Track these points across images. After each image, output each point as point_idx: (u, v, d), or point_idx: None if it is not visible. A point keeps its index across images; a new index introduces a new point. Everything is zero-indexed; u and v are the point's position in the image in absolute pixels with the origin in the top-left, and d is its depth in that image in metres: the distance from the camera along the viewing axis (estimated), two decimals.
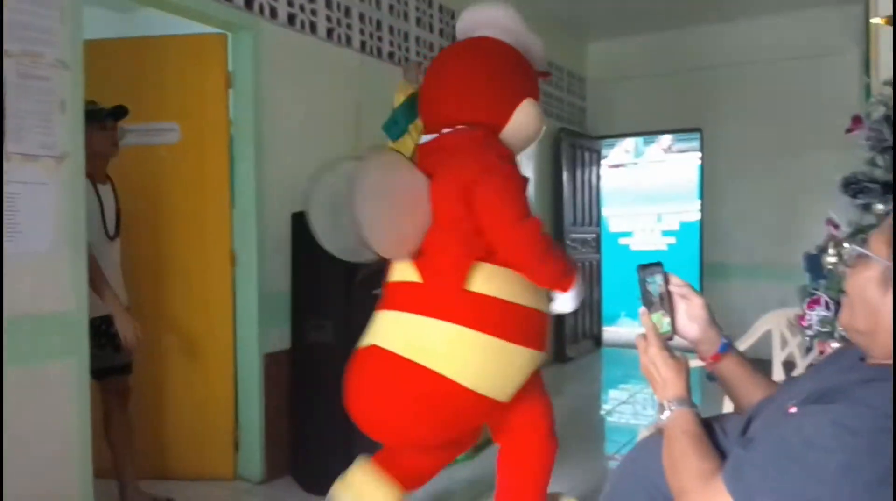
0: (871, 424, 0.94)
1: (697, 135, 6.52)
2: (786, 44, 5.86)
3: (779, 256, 5.71)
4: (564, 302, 2.09)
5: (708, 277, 6.32)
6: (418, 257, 2.02)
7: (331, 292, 3.13)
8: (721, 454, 1.13)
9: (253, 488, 3.30)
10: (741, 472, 1.01)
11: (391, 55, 4.19)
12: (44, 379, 2.36)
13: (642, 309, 1.36)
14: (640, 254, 8.10)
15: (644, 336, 1.32)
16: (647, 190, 8.33)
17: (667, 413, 1.23)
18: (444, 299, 1.95)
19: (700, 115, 6.36)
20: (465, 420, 2.08)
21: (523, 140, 2.20)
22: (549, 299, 2.12)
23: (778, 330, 2.59)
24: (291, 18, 3.49)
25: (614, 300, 7.34)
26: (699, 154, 6.52)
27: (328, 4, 3.71)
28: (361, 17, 3.96)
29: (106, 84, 2.93)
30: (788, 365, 2.43)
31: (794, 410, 1.06)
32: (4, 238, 2.21)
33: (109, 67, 3.13)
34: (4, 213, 2.21)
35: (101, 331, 2.68)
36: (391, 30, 4.21)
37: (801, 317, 2.06)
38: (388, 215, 1.93)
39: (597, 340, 6.95)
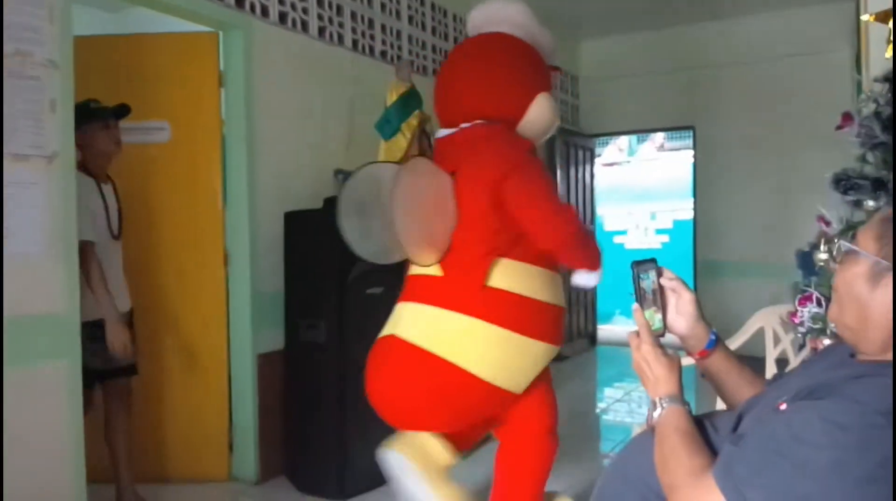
0: (860, 420, 0.94)
1: (690, 133, 6.54)
2: (778, 42, 5.87)
3: (772, 253, 5.73)
4: (589, 279, 2.17)
5: (702, 275, 6.34)
6: None
7: (324, 292, 3.12)
8: (712, 450, 1.13)
9: (247, 489, 3.29)
10: (731, 468, 1.01)
11: (383, 54, 4.19)
12: (36, 380, 2.35)
13: (635, 306, 1.36)
14: (634, 252, 8.10)
15: (637, 333, 1.32)
16: (640, 188, 8.34)
17: (658, 411, 1.23)
18: (462, 293, 2.01)
19: (693, 113, 6.37)
20: (478, 410, 2.13)
21: (538, 133, 2.25)
22: (565, 291, 2.21)
23: (770, 327, 2.59)
24: (283, 17, 3.48)
25: (609, 299, 7.35)
26: (692, 152, 6.53)
27: (320, 3, 3.71)
28: (353, 15, 3.95)
29: (95, 81, 2.90)
30: (782, 362, 2.44)
31: (784, 406, 1.06)
32: None
33: (99, 64, 3.11)
34: None
35: (101, 334, 2.66)
36: (383, 28, 4.20)
37: (793, 314, 2.07)
38: (420, 222, 2.00)
39: (592, 338, 6.97)
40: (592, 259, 2.14)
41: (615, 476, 1.37)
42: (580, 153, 6.70)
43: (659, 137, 8.07)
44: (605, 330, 7.27)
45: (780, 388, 1.18)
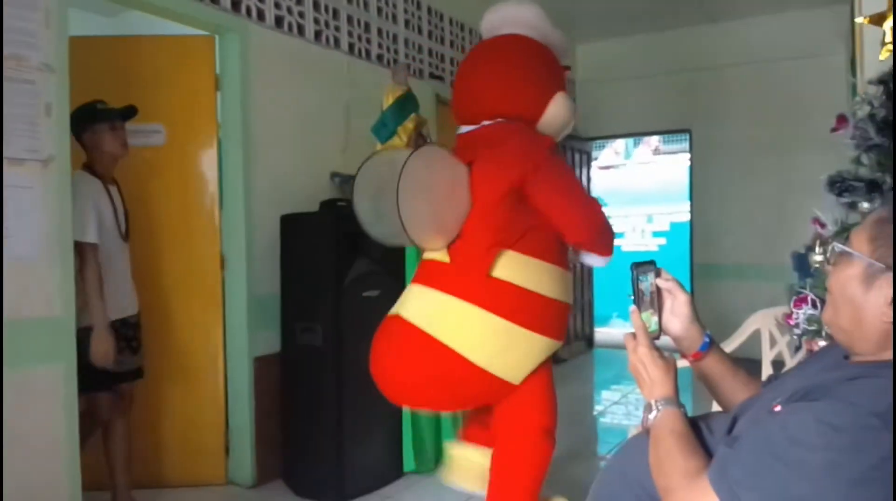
0: (854, 421, 0.94)
1: (685, 136, 6.54)
2: (774, 45, 5.89)
3: (768, 255, 5.74)
4: (598, 261, 2.30)
5: (698, 277, 6.34)
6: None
7: (320, 295, 3.12)
8: (707, 452, 1.13)
9: (244, 493, 3.28)
10: (726, 470, 1.01)
11: (380, 57, 4.19)
12: (31, 384, 2.34)
13: (633, 308, 1.36)
14: (631, 255, 8.11)
15: (633, 335, 1.32)
16: (637, 191, 8.35)
17: (654, 413, 1.23)
18: (466, 281, 2.09)
19: (690, 115, 6.39)
20: (473, 395, 2.20)
21: (556, 131, 2.34)
22: (572, 288, 2.32)
23: (766, 329, 2.60)
24: (279, 21, 3.48)
25: (606, 302, 7.36)
26: (689, 155, 6.54)
27: (316, 7, 3.71)
28: (350, 19, 3.95)
29: (89, 82, 2.88)
30: (778, 364, 2.44)
31: (778, 408, 1.06)
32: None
33: (93, 65, 3.09)
34: None
35: (120, 335, 2.69)
36: (379, 32, 4.20)
37: (789, 316, 2.07)
38: (428, 208, 2.06)
39: (589, 341, 6.97)
40: (610, 247, 2.27)
41: (611, 478, 1.37)
42: (577, 157, 6.70)
43: (654, 140, 8.08)
44: (602, 333, 7.27)
45: (775, 390, 1.18)
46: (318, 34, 3.72)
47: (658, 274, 1.38)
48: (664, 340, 1.37)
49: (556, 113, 2.29)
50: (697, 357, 1.39)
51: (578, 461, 3.52)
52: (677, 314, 1.38)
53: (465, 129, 2.33)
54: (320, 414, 3.11)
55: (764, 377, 1.43)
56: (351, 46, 3.96)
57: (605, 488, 1.36)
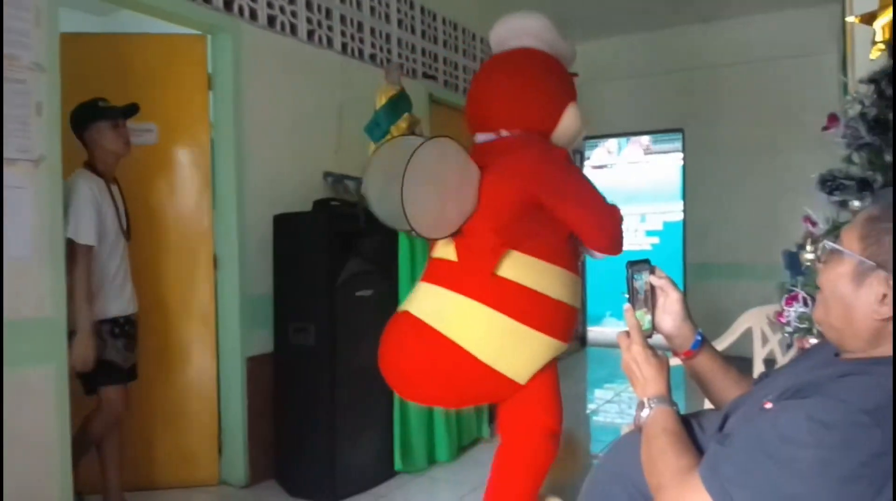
0: (845, 418, 0.94)
1: (677, 136, 6.56)
2: (766, 44, 5.91)
3: (761, 254, 5.76)
4: (601, 256, 2.34)
5: (691, 276, 6.35)
6: (459, 237, 2.20)
7: (313, 295, 3.12)
8: (699, 450, 1.13)
9: (237, 493, 3.27)
10: (717, 468, 1.01)
11: (373, 57, 4.18)
12: (23, 385, 2.33)
13: (627, 306, 1.36)
14: (624, 254, 8.10)
15: (626, 334, 1.32)
16: (630, 190, 8.35)
17: (647, 411, 1.23)
18: (473, 279, 2.14)
19: (682, 115, 6.40)
20: (479, 392, 2.25)
21: (569, 141, 2.43)
22: (579, 289, 2.36)
23: (758, 327, 2.60)
24: (272, 20, 3.47)
25: (599, 300, 7.36)
26: (681, 154, 6.55)
27: (309, 6, 3.70)
28: (343, 18, 3.95)
29: (80, 80, 2.85)
30: (770, 362, 2.45)
31: (769, 406, 1.06)
32: None
33: (85, 63, 3.06)
34: None
35: (119, 332, 2.70)
36: (372, 31, 4.20)
37: (780, 314, 2.08)
38: (431, 197, 2.09)
39: (582, 340, 6.98)
40: (621, 249, 2.34)
41: (603, 476, 1.37)
42: (570, 156, 6.70)
43: (644, 139, 8.10)
44: (595, 332, 7.27)
45: (767, 387, 1.19)
46: (310, 34, 3.71)
47: (652, 271, 1.39)
48: (656, 338, 1.38)
49: (568, 124, 2.37)
50: (689, 355, 1.40)
51: (571, 459, 3.52)
52: (669, 311, 1.38)
53: (481, 138, 2.39)
54: (313, 414, 3.11)
55: (756, 374, 1.43)
56: (344, 46, 3.95)
57: (597, 486, 1.36)
